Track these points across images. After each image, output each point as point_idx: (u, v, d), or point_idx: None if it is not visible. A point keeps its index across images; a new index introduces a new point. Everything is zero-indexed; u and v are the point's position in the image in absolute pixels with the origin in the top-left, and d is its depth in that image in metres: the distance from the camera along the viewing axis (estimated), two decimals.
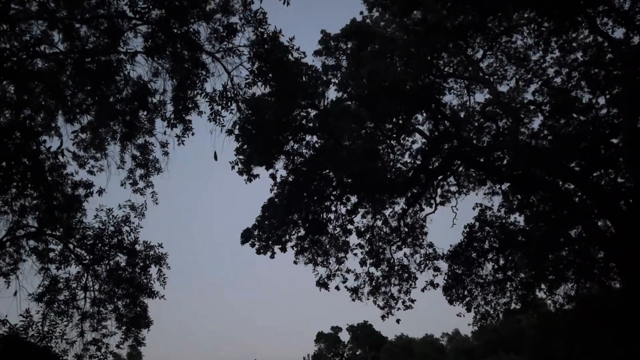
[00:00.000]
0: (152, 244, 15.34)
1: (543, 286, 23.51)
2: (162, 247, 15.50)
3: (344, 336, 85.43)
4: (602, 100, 20.55)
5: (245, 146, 18.19)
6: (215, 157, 11.75)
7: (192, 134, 15.51)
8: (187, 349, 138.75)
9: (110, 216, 15.16)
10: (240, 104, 11.63)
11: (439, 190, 24.59)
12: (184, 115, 15.25)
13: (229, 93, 11.78)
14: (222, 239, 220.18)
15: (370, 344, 76.94)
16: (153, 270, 15.70)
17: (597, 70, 20.68)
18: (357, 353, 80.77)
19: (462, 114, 24.45)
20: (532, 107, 23.79)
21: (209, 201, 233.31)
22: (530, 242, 22.58)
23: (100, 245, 14.89)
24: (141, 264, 15.17)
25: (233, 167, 13.22)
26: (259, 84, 11.45)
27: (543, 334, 44.85)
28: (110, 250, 15.04)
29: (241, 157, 17.96)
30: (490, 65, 23.97)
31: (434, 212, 24.06)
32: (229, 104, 11.85)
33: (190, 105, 14.96)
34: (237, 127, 11.74)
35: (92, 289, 15.93)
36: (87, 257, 15.34)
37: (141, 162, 16.71)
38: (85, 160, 17.00)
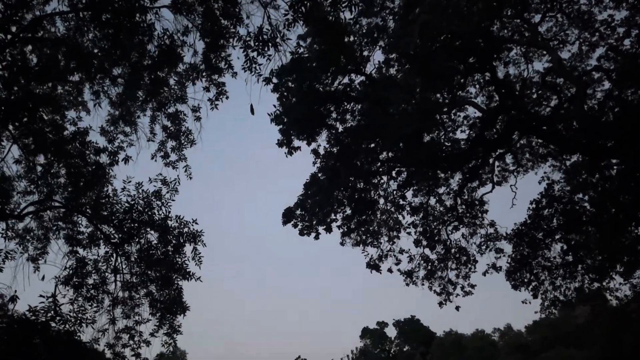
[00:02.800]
0: (185, 220, 13.85)
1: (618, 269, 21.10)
2: (196, 223, 14.00)
3: (391, 331, 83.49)
4: None
5: (284, 118, 16.59)
6: (252, 111, 10.12)
7: (227, 98, 14.07)
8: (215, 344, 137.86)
9: (140, 190, 13.74)
10: (278, 47, 9.90)
11: (496, 169, 22.43)
12: (215, 77, 13.81)
13: (265, 35, 10.09)
14: (261, 219, 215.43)
15: (419, 340, 74.44)
16: (187, 250, 14.20)
17: None
18: (405, 349, 78.37)
19: (518, 86, 22.23)
20: (596, 75, 21.32)
21: (246, 178, 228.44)
22: (602, 219, 20.26)
23: (129, 221, 13.47)
24: (174, 242, 13.69)
25: (272, 121, 11.50)
26: (300, 23, 9.71)
27: (606, 329, 42.04)
28: (140, 227, 13.61)
29: (280, 126, 16.31)
30: (549, 30, 21.63)
31: (491, 191, 21.89)
32: (266, 47, 10.17)
33: (222, 66, 13.51)
34: (274, 75, 10.12)
35: (122, 271, 14.57)
36: (116, 236, 13.96)
37: (172, 133, 15.33)
38: (114, 135, 15.77)
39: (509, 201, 21.97)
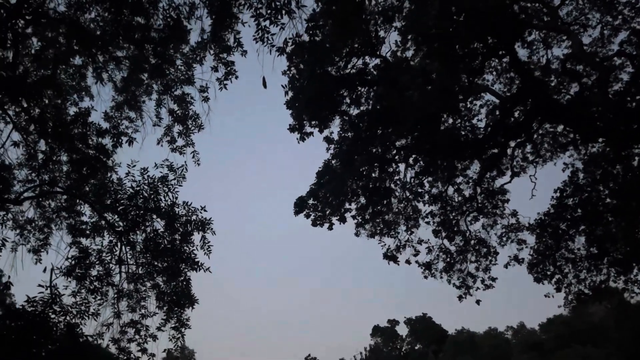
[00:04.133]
0: (193, 207, 13.06)
1: None
2: (205, 210, 13.21)
3: (402, 329, 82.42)
4: None
5: (296, 102, 15.81)
6: (264, 84, 9.32)
7: (236, 77, 13.29)
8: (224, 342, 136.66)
9: (146, 176, 12.97)
10: (292, 14, 9.09)
11: (515, 159, 21.51)
12: (224, 56, 13.03)
13: (278, 2, 9.29)
14: (272, 207, 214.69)
15: (430, 338, 73.38)
16: (196, 239, 13.42)
17: None
18: (417, 347, 77.34)
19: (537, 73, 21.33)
20: (618, 62, 20.37)
21: (258, 164, 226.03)
22: (625, 210, 19.37)
23: (134, 208, 12.72)
24: (182, 230, 12.92)
25: (286, 93, 10.58)
26: None
27: (629, 327, 40.90)
28: (145, 215, 12.85)
29: (292, 111, 15.54)
30: (569, 14, 20.74)
31: (510, 181, 20.96)
32: (279, 15, 9.37)
33: (232, 43, 12.75)
34: (289, 45, 9.31)
35: (127, 262, 13.81)
36: (120, 224, 13.21)
37: (179, 116, 14.58)
38: (119, 121, 15.04)
39: (528, 192, 21.08)
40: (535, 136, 21.67)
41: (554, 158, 22.18)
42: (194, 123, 14.53)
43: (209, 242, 13.15)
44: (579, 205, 19.11)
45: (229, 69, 13.14)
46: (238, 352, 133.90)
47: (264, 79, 9.35)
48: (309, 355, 74.32)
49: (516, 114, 19.98)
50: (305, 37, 11.86)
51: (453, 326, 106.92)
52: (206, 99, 13.33)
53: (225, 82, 13.07)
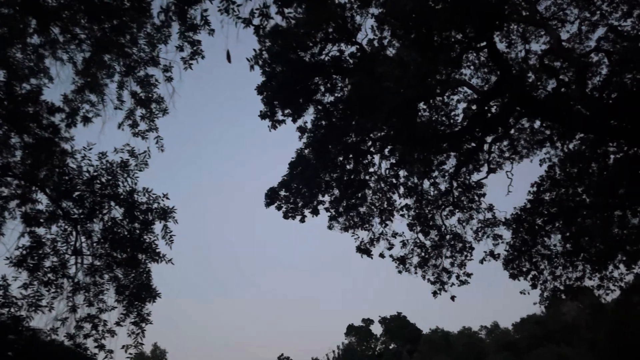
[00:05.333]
0: (154, 194, 12.31)
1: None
2: (167, 198, 12.48)
3: (376, 329, 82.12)
4: None
5: (268, 89, 15.14)
6: (229, 58, 8.66)
7: (202, 58, 12.59)
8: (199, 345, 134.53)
9: (104, 161, 12.18)
10: None
11: (491, 154, 21.18)
12: (190, 35, 12.32)
13: None
14: (243, 199, 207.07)
15: (405, 337, 73.24)
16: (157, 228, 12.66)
17: None
18: (391, 347, 77.13)
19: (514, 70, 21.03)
20: (595, 59, 20.18)
21: (227, 152, 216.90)
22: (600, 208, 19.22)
23: (91, 195, 11.91)
24: (142, 218, 12.15)
25: (252, 68, 9.93)
26: None
27: (595, 327, 41.28)
28: (103, 202, 12.05)
29: (263, 96, 14.87)
30: (548, 8, 20.51)
31: (486, 177, 20.60)
32: None
33: (198, 22, 12.05)
34: (256, 15, 8.63)
35: (85, 253, 12.99)
36: (76, 211, 12.38)
37: (142, 99, 13.80)
38: (79, 105, 14.17)
39: (504, 188, 20.76)
40: (512, 131, 21.40)
41: (531, 155, 21.93)
42: (158, 107, 13.79)
43: (171, 231, 12.43)
44: (555, 200, 18.85)
45: (195, 48, 12.47)
46: (213, 352, 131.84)
47: (228, 52, 8.68)
48: (282, 354, 73.47)
49: (493, 109, 19.68)
50: (273, 9, 11.24)
51: (428, 325, 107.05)
52: (169, 79, 12.58)
53: (190, 62, 12.39)
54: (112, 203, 12.22)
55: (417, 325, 77.37)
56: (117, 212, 12.40)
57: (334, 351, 44.36)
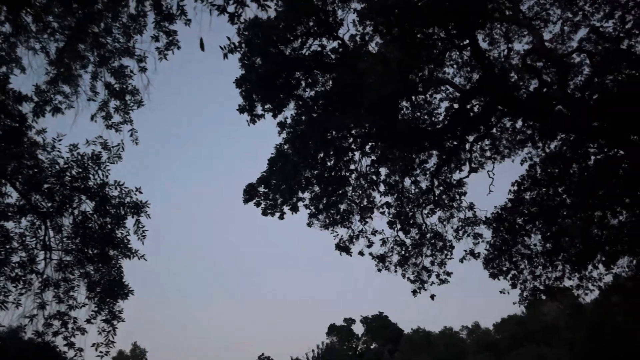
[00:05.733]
0: (126, 187, 11.94)
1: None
2: (140, 192, 12.11)
3: (358, 328, 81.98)
4: None
5: (247, 82, 14.83)
6: (202, 46, 8.36)
7: (178, 48, 12.29)
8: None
9: (75, 153, 11.78)
10: None
11: (473, 153, 21.12)
12: (166, 24, 12.01)
13: None
14: (220, 194, 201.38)
15: (386, 337, 73.23)
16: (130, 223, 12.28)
17: None
18: (372, 347, 77.03)
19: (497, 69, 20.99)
20: (577, 59, 20.22)
21: (205, 146, 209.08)
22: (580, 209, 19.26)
23: (60, 187, 11.51)
24: (113, 212, 11.78)
25: (225, 56, 9.62)
26: None
27: (575, 327, 41.60)
28: (73, 195, 11.66)
29: (242, 90, 14.57)
30: (531, 8, 20.53)
31: (467, 176, 20.52)
32: None
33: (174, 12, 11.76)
34: (230, 2, 8.30)
35: (54, 248, 12.56)
36: (45, 205, 11.96)
37: (116, 91, 13.42)
38: (51, 96, 13.72)
39: (485, 188, 20.71)
40: (494, 131, 21.36)
41: (512, 154, 21.91)
42: (132, 99, 13.42)
43: (143, 226, 12.08)
44: (535, 200, 18.83)
45: (170, 38, 12.16)
46: (194, 351, 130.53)
47: (201, 40, 8.39)
48: (263, 354, 73.00)
49: (475, 109, 19.61)
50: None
51: (409, 325, 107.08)
52: (143, 70, 12.23)
53: (166, 52, 12.07)
54: (83, 197, 11.82)
55: (398, 325, 77.59)
56: (88, 206, 12.02)
57: (313, 350, 44.16)
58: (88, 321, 12.78)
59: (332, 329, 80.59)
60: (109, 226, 11.99)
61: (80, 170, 11.63)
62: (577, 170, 19.63)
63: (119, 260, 12.41)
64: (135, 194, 12.14)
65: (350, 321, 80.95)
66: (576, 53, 19.96)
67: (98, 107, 13.25)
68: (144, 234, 12.06)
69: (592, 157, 19.53)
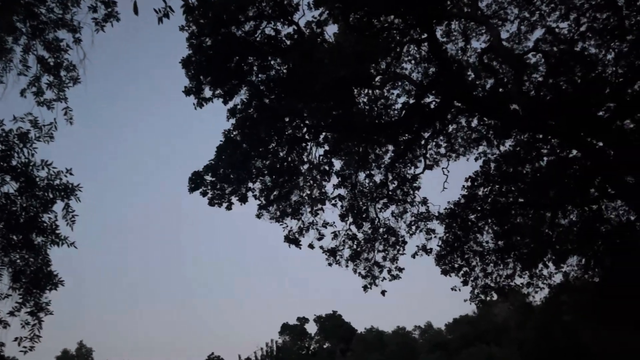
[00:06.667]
0: (55, 168, 10.98)
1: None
2: (71, 173, 11.17)
3: (311, 328, 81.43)
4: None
5: (195, 63, 14.05)
6: (135, 10, 7.59)
7: (117, 20, 11.44)
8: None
9: (0, 130, 10.77)
10: None
11: (428, 151, 20.91)
12: None
13: None
14: (163, 182, 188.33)
15: (340, 336, 72.99)
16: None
17: (609, 14, 17.41)
18: (325, 346, 76.67)
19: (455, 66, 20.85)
20: (533, 60, 20.30)
21: (147, 129, 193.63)
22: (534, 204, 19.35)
23: None
24: (40, 194, 10.82)
25: (160, 20, 8.69)
26: None
27: (524, 327, 42.35)
28: None
29: (188, 70, 13.78)
30: (489, 6, 20.52)
31: (422, 172, 20.28)
32: None
33: None
34: None
35: None
36: None
37: (50, 65, 12.42)
38: None
39: (439, 185, 20.53)
40: (450, 129, 21.24)
41: (468, 153, 21.85)
42: (68, 75, 12.45)
43: (73, 211, 11.14)
44: (488, 196, 18.74)
45: (109, 10, 11.31)
46: (139, 352, 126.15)
47: (135, 3, 7.62)
48: (212, 353, 71.56)
49: (432, 105, 19.41)
50: None
51: (363, 325, 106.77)
52: (78, 41, 11.30)
53: (104, 24, 11.20)
54: (7, 177, 10.81)
55: (352, 324, 77.44)
56: (12, 188, 11.01)
57: (262, 348, 43.41)
58: (11, 313, 11.76)
59: (285, 328, 79.72)
60: (35, 209, 11.00)
61: (4, 148, 10.61)
62: (530, 171, 19.69)
63: (46, 247, 11.42)
64: (66, 176, 11.19)
65: (303, 320, 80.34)
66: (532, 53, 19.98)
67: (29, 81, 12.22)
68: (73, 219, 11.13)
69: (545, 159, 19.68)
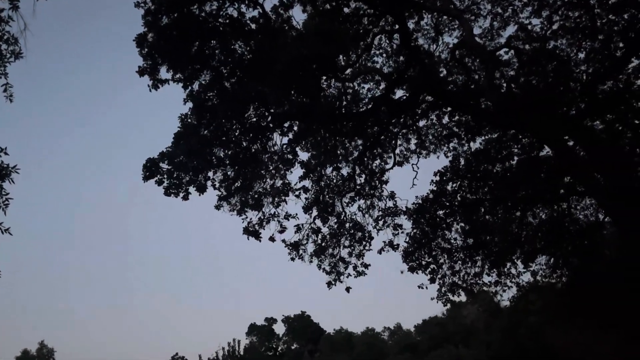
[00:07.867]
0: None
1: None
2: (6, 153, 10.20)
3: (280, 328, 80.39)
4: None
5: (150, 40, 13.18)
6: None
7: None
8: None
9: None
10: None
11: (399, 147, 20.44)
12: None
13: None
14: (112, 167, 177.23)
15: (308, 337, 72.23)
16: None
17: (581, 13, 17.23)
18: (293, 347, 75.88)
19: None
20: (505, 57, 20.02)
21: (96, 110, 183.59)
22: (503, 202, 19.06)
23: None
24: None
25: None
26: None
27: (492, 329, 42.49)
28: None
29: (141, 49, 12.92)
30: (462, 1, 20.22)
31: (392, 168, 19.77)
32: None
33: None
34: None
35: None
36: None
37: None
38: None
39: (409, 181, 20.10)
40: (420, 124, 20.82)
41: (438, 150, 21.47)
42: (8, 49, 11.44)
43: (7, 193, 10.16)
44: (457, 192, 18.33)
45: None
46: (100, 350, 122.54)
47: None
48: (177, 354, 69.96)
49: (403, 98, 18.94)
50: None
51: (332, 326, 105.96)
52: (15, 8, 10.33)
53: None
54: None
55: (320, 325, 76.62)
56: None
57: (223, 348, 42.27)
58: None
59: (253, 329, 78.51)
60: None
61: None
62: (500, 170, 19.41)
63: None
64: (0, 156, 10.21)
65: (271, 321, 79.25)
66: (504, 49, 19.72)
67: None
68: (7, 203, 10.16)
69: (516, 158, 19.42)
